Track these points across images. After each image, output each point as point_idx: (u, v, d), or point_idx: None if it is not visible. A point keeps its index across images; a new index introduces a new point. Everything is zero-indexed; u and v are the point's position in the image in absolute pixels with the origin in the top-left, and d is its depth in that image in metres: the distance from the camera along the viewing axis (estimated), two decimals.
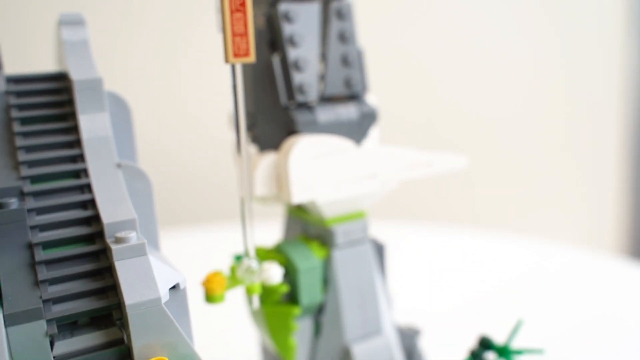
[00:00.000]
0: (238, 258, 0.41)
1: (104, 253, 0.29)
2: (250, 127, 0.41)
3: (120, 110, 0.35)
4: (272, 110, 0.39)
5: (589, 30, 0.89)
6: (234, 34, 0.32)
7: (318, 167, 0.37)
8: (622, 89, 0.92)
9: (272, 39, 0.39)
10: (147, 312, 0.26)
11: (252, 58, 0.33)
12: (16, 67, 0.38)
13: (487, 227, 0.84)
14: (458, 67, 0.88)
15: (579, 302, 0.60)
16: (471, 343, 0.40)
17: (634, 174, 0.94)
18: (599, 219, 0.96)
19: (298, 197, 0.37)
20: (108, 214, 0.30)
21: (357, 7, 0.40)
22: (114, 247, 0.28)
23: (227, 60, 0.32)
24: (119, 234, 0.28)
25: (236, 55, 0.32)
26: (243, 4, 0.32)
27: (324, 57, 0.40)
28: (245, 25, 0.32)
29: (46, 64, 0.42)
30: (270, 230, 0.55)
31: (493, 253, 0.75)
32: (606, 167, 0.94)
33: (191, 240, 0.79)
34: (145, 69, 0.81)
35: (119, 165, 0.32)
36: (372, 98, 0.42)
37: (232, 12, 0.32)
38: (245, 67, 0.40)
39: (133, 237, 0.28)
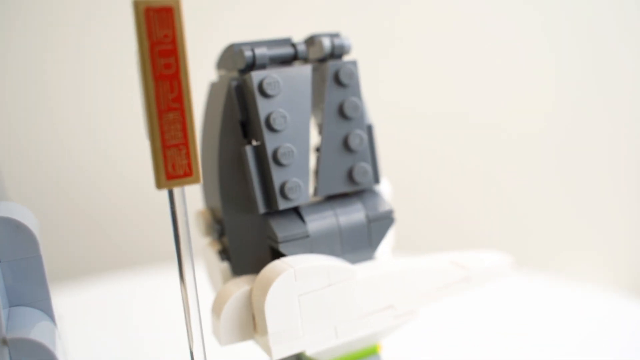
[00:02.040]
0: None
1: None
2: (218, 237, 0.30)
3: (20, 241, 0.25)
4: (246, 216, 0.28)
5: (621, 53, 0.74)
6: (165, 145, 0.21)
7: (308, 307, 0.26)
8: None
9: (244, 119, 0.28)
10: None
11: (196, 178, 0.22)
12: None
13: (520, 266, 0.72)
14: (482, 84, 0.76)
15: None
16: None
17: None
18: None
19: (280, 352, 0.26)
20: None
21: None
22: None
23: (158, 185, 0.21)
24: None
25: (171, 176, 0.21)
26: (179, 98, 0.21)
27: (318, 137, 0.29)
28: (184, 129, 0.21)
29: None
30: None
31: (527, 295, 0.62)
32: None
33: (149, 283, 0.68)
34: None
35: (4, 342, 0.22)
36: (385, 189, 0.31)
37: (160, 112, 0.21)
38: (207, 151, 0.29)
39: None
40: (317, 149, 0.30)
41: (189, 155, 0.21)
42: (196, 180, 0.22)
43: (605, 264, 0.79)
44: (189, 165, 0.21)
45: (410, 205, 0.68)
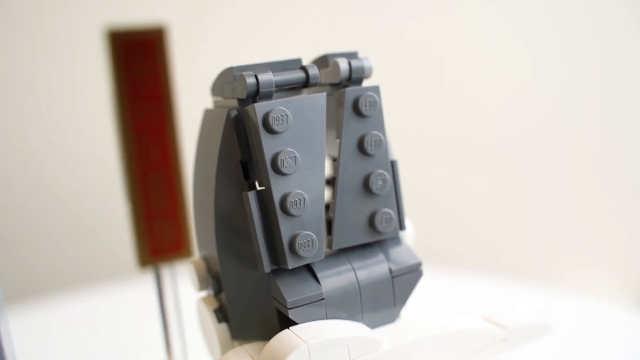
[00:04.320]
0: None
1: None
2: (215, 294, 0.25)
3: None
4: (248, 270, 0.24)
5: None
6: (149, 215, 0.16)
7: None
8: None
9: (246, 158, 0.23)
10: None
11: (187, 253, 0.17)
12: None
13: (527, 278, 0.68)
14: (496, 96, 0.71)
15: None
16: None
17: None
18: None
19: None
20: None
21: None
22: None
23: (141, 262, 0.17)
24: None
25: (157, 252, 0.17)
26: (166, 154, 0.16)
27: (333, 182, 0.24)
28: (173, 194, 0.17)
29: None
30: None
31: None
32: None
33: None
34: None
35: None
36: (408, 230, 0.27)
37: (143, 173, 0.16)
38: (201, 192, 0.25)
39: None
40: (328, 182, 0.26)
41: (179, 226, 0.17)
42: (187, 255, 0.17)
43: (609, 277, 0.75)
44: (179, 238, 0.17)
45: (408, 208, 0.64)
